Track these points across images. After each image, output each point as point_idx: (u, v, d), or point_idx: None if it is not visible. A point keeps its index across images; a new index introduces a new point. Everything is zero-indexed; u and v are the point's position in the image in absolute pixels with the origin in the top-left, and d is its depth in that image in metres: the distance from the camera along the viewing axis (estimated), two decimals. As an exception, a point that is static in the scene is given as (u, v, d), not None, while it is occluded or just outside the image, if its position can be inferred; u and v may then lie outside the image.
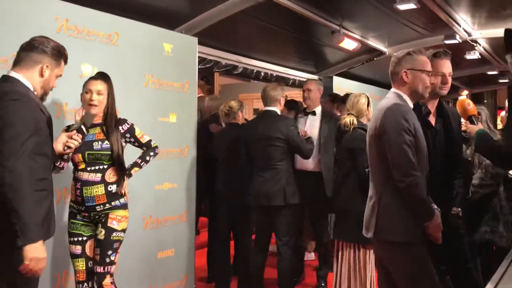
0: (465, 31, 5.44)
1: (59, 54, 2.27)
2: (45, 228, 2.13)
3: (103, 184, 2.70)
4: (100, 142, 2.72)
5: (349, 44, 5.36)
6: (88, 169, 2.69)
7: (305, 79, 6.31)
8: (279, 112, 3.78)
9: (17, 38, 2.73)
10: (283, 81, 6.08)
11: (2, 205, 1.95)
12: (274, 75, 5.87)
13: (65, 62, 2.34)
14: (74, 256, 2.74)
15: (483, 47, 6.26)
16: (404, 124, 2.24)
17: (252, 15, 4.33)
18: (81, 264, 2.73)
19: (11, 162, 1.93)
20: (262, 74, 5.70)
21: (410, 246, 2.27)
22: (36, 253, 1.98)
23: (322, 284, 4.31)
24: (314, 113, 4.25)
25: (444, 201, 2.56)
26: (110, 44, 3.35)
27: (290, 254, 3.70)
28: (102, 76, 2.80)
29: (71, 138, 2.57)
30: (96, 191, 2.68)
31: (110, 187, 2.72)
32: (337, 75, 6.67)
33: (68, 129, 2.69)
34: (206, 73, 6.07)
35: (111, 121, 2.76)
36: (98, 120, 2.78)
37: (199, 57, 4.29)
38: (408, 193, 2.22)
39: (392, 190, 2.27)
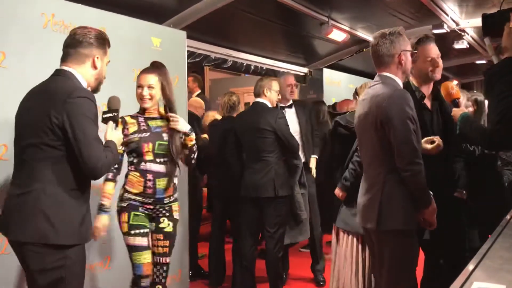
0: (453, 20, 5.48)
1: (104, 41, 2.23)
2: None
3: (169, 177, 2.73)
4: (168, 135, 2.75)
5: (338, 36, 5.38)
6: (157, 160, 2.69)
7: (295, 72, 6.34)
8: (269, 104, 3.78)
9: (4, 35, 2.73)
10: (273, 74, 6.09)
11: (46, 199, 1.98)
12: (264, 68, 5.87)
13: (109, 46, 2.28)
14: (142, 249, 2.65)
15: (471, 36, 6.31)
16: (409, 112, 2.22)
17: (241, 8, 4.33)
18: (148, 256, 2.67)
19: (100, 167, 2.03)
20: (252, 67, 5.70)
21: (408, 234, 2.29)
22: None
23: (321, 278, 4.34)
24: (290, 106, 4.22)
25: (446, 184, 2.57)
26: (97, 39, 3.32)
27: (276, 246, 3.69)
28: (153, 68, 2.81)
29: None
30: (166, 184, 2.71)
31: (174, 180, 2.78)
32: (327, 67, 6.69)
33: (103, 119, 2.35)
34: (196, 67, 6.06)
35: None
36: (154, 113, 2.81)
37: (188, 51, 4.28)
38: (412, 182, 2.22)
39: (396, 178, 2.25)
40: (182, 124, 2.75)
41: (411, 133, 2.21)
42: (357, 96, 3.63)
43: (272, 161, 3.64)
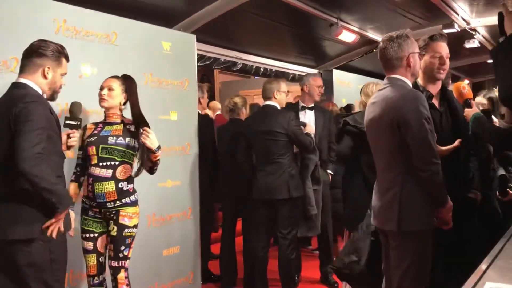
0: (464, 19, 5.44)
1: (59, 54, 2.35)
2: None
3: (113, 181, 2.73)
4: (115, 138, 2.77)
5: (347, 37, 5.37)
6: (100, 164, 2.73)
7: (305, 74, 6.34)
8: (278, 107, 3.79)
9: (17, 40, 2.76)
10: (283, 76, 6.09)
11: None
12: (274, 70, 5.88)
13: (67, 60, 2.42)
14: (86, 252, 2.81)
15: (482, 35, 6.25)
16: (424, 112, 2.22)
17: (250, 10, 4.35)
18: (92, 259, 2.80)
19: (29, 151, 2.08)
20: (262, 69, 5.72)
21: (426, 234, 2.28)
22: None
23: (333, 280, 4.32)
24: (311, 108, 4.22)
25: (459, 185, 2.53)
26: (108, 44, 3.36)
27: (289, 247, 3.70)
28: (119, 76, 2.88)
29: (69, 136, 2.56)
30: (106, 188, 2.72)
31: (121, 184, 2.76)
32: (337, 68, 6.68)
33: (65, 125, 2.59)
34: (206, 70, 6.10)
35: (138, 121, 2.80)
36: (113, 118, 2.84)
37: (198, 54, 4.30)
38: (431, 182, 2.21)
39: (414, 179, 2.25)
40: (152, 140, 2.76)
41: (428, 133, 2.20)
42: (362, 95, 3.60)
43: (285, 163, 3.66)
